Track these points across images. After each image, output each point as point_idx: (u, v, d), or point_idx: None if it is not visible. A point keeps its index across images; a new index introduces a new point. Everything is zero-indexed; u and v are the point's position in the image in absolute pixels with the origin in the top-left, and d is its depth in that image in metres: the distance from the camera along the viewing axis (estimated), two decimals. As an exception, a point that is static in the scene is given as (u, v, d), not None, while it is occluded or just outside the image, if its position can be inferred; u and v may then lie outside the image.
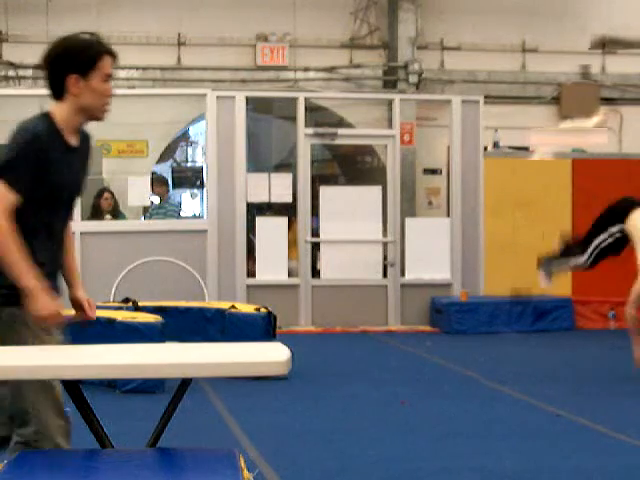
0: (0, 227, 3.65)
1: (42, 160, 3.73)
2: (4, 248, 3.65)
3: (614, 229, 8.50)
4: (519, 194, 12.48)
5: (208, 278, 11.72)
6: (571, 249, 8.82)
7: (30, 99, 12.77)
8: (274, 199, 12.33)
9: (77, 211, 11.54)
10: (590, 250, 8.57)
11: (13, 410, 3.72)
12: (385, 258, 12.50)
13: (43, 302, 3.64)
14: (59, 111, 3.82)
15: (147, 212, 12.51)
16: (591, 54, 14.14)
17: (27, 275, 3.65)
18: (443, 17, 13.85)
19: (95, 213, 12.04)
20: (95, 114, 3.86)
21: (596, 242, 8.56)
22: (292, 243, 12.39)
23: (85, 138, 3.95)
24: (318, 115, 13.45)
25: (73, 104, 3.81)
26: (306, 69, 13.70)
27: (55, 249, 3.90)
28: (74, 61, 3.78)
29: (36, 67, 12.95)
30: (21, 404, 3.69)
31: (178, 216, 12.68)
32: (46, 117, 3.81)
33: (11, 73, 12.98)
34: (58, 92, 3.83)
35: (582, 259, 8.66)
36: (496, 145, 13.65)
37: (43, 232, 3.82)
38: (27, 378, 3.37)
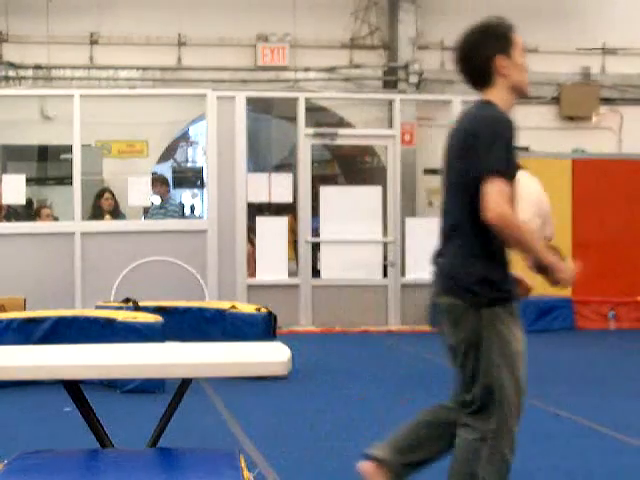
0: (512, 220, 3.64)
1: (513, 149, 3.71)
2: (522, 236, 3.70)
3: None
4: (519, 194, 12.44)
5: (208, 278, 11.71)
6: None
7: (30, 99, 12.81)
8: (274, 199, 12.32)
9: (77, 211, 11.57)
10: None
11: (478, 394, 3.76)
12: (385, 258, 12.50)
13: (566, 268, 3.86)
14: (494, 97, 3.82)
15: (147, 212, 12.51)
16: (591, 54, 14.13)
17: (544, 251, 3.79)
18: (443, 17, 13.83)
19: (95, 213, 12.05)
20: (523, 89, 3.87)
21: None
22: (290, 243, 12.39)
23: None
24: (318, 115, 13.45)
25: (504, 85, 3.83)
26: (306, 69, 13.69)
27: None
28: (498, 42, 3.84)
29: (36, 67, 12.99)
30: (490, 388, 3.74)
31: (179, 216, 12.66)
32: (493, 104, 3.79)
33: (11, 73, 12.98)
34: (485, 79, 3.84)
35: None
36: (496, 145, 13.64)
37: None
38: (26, 378, 3.37)
